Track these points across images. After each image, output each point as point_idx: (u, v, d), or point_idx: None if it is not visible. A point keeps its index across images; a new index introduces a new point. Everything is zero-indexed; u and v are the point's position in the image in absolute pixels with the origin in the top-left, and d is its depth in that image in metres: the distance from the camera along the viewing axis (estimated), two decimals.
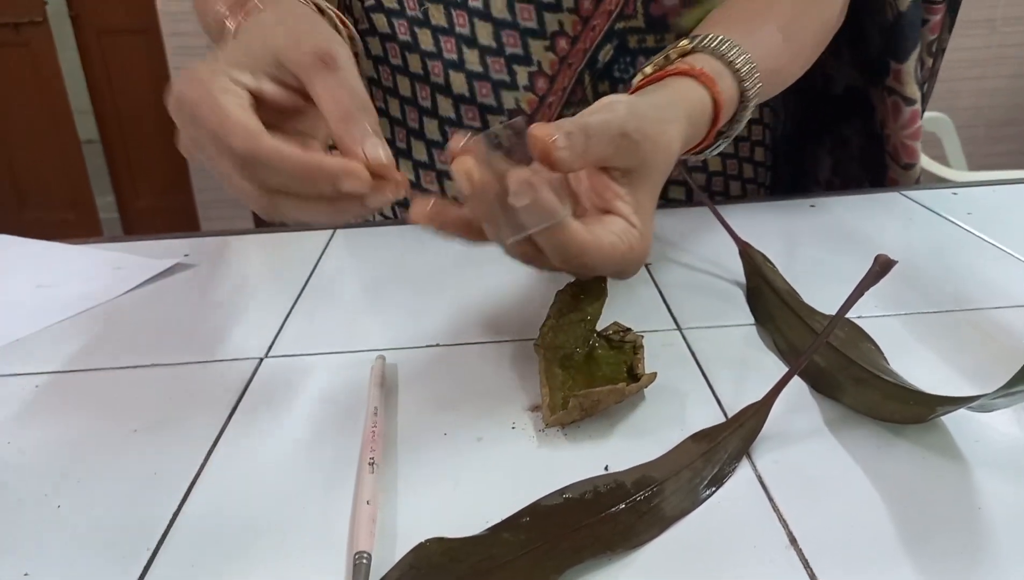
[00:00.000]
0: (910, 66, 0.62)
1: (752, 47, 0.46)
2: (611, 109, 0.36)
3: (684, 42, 0.46)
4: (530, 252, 0.36)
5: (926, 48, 0.64)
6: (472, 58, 0.58)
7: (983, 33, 2.60)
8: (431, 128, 0.63)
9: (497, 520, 0.29)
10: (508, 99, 0.59)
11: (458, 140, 0.32)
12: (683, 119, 0.41)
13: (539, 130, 0.33)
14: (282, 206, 0.34)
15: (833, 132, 0.72)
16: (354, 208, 0.34)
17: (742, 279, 0.48)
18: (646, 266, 0.51)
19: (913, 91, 0.63)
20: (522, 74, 0.58)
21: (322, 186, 0.32)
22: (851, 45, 0.67)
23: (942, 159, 2.10)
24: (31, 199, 3.15)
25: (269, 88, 0.36)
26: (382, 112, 0.65)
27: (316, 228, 0.62)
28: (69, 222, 3.09)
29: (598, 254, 0.35)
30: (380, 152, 0.33)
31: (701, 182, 0.65)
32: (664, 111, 0.40)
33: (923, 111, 0.67)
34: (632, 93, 0.44)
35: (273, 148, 0.32)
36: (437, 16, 0.59)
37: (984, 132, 2.74)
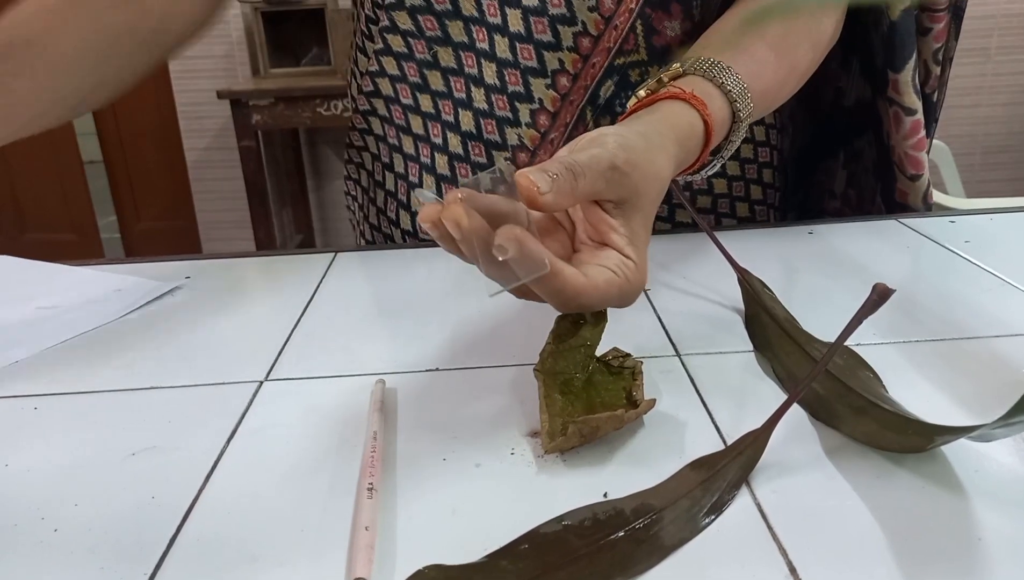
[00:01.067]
0: (907, 76, 0.62)
1: (743, 68, 0.47)
2: (599, 144, 0.37)
3: (676, 66, 0.47)
4: (524, 288, 0.36)
5: (932, 57, 0.64)
6: (479, 97, 0.60)
7: (977, 61, 2.62)
8: (441, 163, 0.64)
9: (496, 547, 0.29)
10: (512, 136, 0.60)
11: (453, 193, 0.33)
12: (672, 144, 0.41)
13: (523, 178, 0.33)
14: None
15: (847, 145, 0.72)
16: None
17: (740, 305, 0.48)
18: (645, 292, 0.52)
19: (912, 101, 0.63)
20: (524, 111, 0.59)
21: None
22: (860, 56, 0.67)
23: (940, 186, 2.12)
24: (33, 220, 3.16)
25: None
26: (396, 148, 0.67)
27: (317, 251, 0.62)
28: (71, 243, 3.10)
29: (595, 294, 0.35)
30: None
31: (707, 204, 0.65)
32: (653, 139, 0.40)
33: (936, 121, 0.66)
34: (624, 118, 0.44)
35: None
36: (446, 58, 0.60)
37: (979, 159, 2.76)
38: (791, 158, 0.73)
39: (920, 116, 0.63)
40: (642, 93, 0.46)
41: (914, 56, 0.62)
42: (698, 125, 0.43)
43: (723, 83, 0.46)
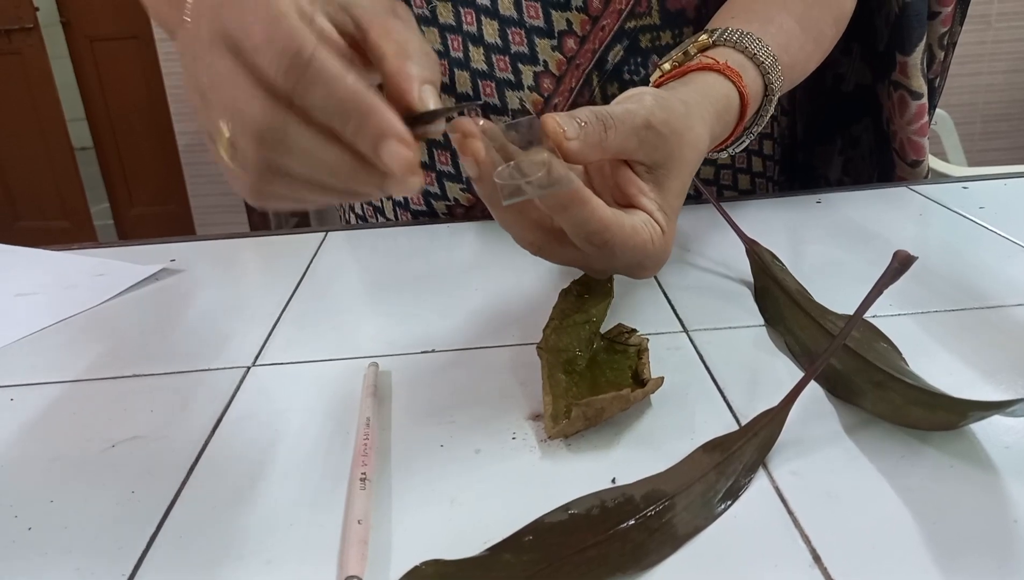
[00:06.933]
0: (915, 59, 0.60)
1: (771, 40, 0.45)
2: (637, 100, 0.35)
3: (703, 36, 0.45)
4: (541, 240, 0.34)
5: (937, 41, 0.63)
6: (477, 56, 0.57)
7: (978, 29, 2.59)
8: None
9: (497, 539, 0.27)
10: (512, 99, 0.58)
11: (468, 123, 0.31)
12: (711, 115, 0.40)
13: (550, 120, 0.32)
14: (278, 184, 0.29)
15: (844, 132, 0.71)
16: (370, 189, 0.29)
17: (749, 278, 0.46)
18: None
19: (919, 84, 0.61)
20: (527, 74, 0.57)
21: (362, 138, 0.27)
22: (861, 40, 0.66)
23: (941, 156, 2.09)
24: (25, 208, 3.13)
25: (329, 29, 0.30)
26: None
27: (306, 231, 0.60)
28: (63, 231, 3.07)
29: (621, 233, 0.33)
30: (432, 100, 0.29)
31: (709, 175, 0.63)
32: (692, 107, 0.38)
33: (934, 106, 0.65)
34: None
35: (328, 60, 0.26)
36: (445, 14, 0.57)
37: (980, 128, 2.73)
38: (791, 142, 0.72)
39: (925, 100, 0.62)
40: (667, 67, 0.44)
41: (924, 39, 0.60)
42: (734, 98, 0.42)
43: (755, 54, 0.44)
